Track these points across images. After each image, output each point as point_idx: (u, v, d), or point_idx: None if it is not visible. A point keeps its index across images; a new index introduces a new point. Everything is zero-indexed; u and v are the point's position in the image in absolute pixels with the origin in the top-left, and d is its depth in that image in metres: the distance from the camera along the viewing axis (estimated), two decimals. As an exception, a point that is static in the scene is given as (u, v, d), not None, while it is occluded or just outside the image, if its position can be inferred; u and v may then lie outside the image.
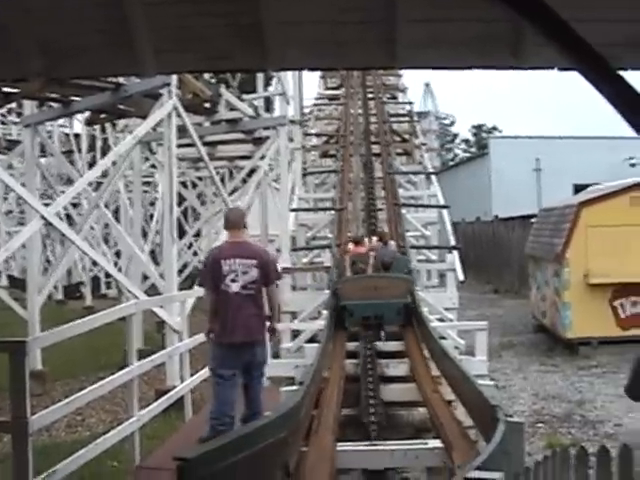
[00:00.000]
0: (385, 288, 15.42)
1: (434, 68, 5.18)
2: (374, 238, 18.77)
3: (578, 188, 35.89)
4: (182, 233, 29.55)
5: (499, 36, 4.64)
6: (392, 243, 18.37)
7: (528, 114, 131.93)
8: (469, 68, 4.97)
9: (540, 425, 13.63)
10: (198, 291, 17.66)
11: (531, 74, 5.10)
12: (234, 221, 9.66)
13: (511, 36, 4.64)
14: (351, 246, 18.06)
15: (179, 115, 17.49)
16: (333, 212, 22.50)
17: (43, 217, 15.59)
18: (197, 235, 33.82)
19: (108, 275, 34.17)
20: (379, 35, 4.63)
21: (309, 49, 4.77)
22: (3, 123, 43.93)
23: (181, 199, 32.01)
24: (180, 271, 23.97)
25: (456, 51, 4.69)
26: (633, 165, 45.94)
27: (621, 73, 3.42)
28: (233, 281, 9.13)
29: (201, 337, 13.34)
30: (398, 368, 12.25)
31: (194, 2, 4.44)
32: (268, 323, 9.74)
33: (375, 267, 16.98)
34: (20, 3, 4.45)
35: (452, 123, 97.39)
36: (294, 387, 10.17)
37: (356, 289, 15.63)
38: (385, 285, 15.59)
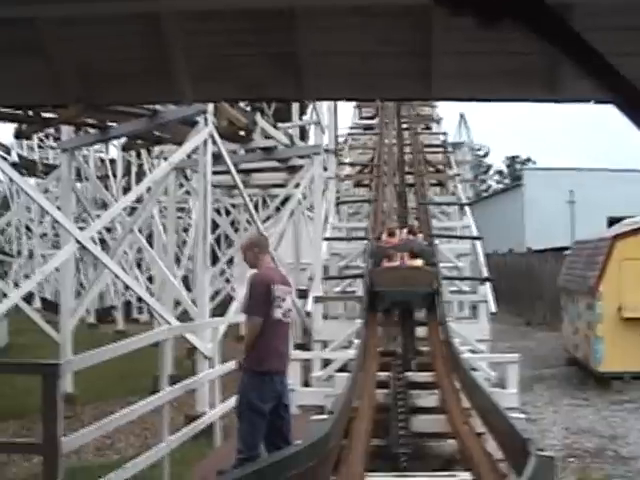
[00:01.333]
0: (412, 278, 17.11)
1: (469, 100, 5.21)
2: (404, 230, 20.17)
3: (612, 221, 35.67)
4: (215, 260, 29.55)
5: (534, 69, 4.65)
6: (420, 236, 20.22)
7: (562, 146, 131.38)
8: (504, 100, 4.98)
9: (571, 460, 13.47)
10: (230, 318, 17.78)
11: (567, 106, 5.09)
12: (267, 246, 9.77)
13: (547, 69, 4.64)
14: (384, 237, 19.52)
15: (214, 142, 17.59)
16: (366, 242, 22.43)
17: (78, 241, 15.70)
18: (230, 262, 33.86)
19: (140, 300, 34.25)
20: (415, 67, 4.65)
21: (344, 80, 4.80)
22: (41, 147, 44.41)
23: (215, 226, 32.12)
24: (212, 298, 24.02)
25: (491, 83, 4.70)
26: (667, 199, 45.58)
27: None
28: (278, 307, 9.11)
29: (232, 364, 13.41)
30: (428, 399, 12.20)
31: (231, 32, 4.49)
32: None
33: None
34: (61, 31, 4.51)
35: (486, 154, 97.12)
36: (324, 416, 10.14)
37: (387, 278, 17.26)
38: (412, 275, 17.26)
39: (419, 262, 17.96)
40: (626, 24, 4.10)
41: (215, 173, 19.34)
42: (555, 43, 3.48)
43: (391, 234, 19.47)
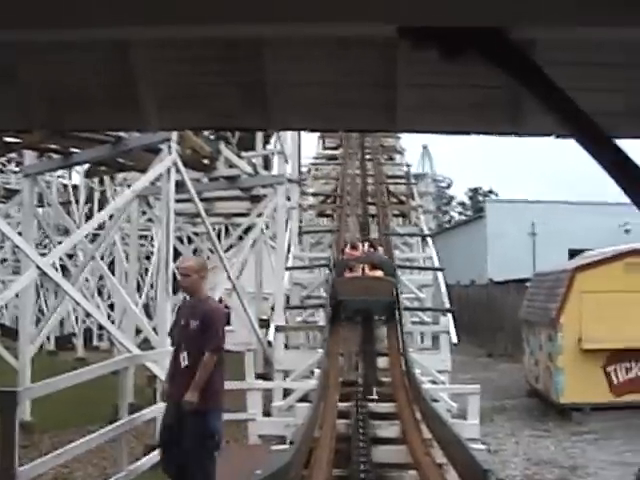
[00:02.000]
0: (373, 287, 18.60)
1: (433, 132, 5.24)
2: (366, 244, 21.92)
3: (573, 253, 35.99)
4: (177, 288, 29.49)
5: (498, 102, 4.70)
6: (380, 249, 22.14)
7: (524, 178, 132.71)
8: (467, 133, 5.02)
9: (532, 491, 13.53)
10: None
11: (529, 139, 5.16)
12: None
13: (510, 103, 4.69)
14: (347, 249, 21.34)
15: (178, 170, 17.60)
16: (328, 272, 22.50)
17: (38, 267, 15.62)
18: (192, 290, 33.73)
19: (101, 327, 34.01)
20: (379, 99, 4.69)
21: (310, 111, 4.82)
22: (2, 172, 44.12)
23: (177, 254, 32.00)
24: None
25: (455, 116, 4.74)
26: (628, 231, 46.03)
27: (618, 142, 3.49)
28: None
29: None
30: (389, 430, 12.20)
31: (198, 60, 4.50)
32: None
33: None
34: (28, 56, 4.52)
35: (449, 186, 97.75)
36: (284, 446, 10.12)
37: (350, 287, 18.64)
38: (373, 285, 18.77)
39: (380, 273, 19.40)
40: (587, 60, 4.17)
41: (178, 201, 19.33)
42: (517, 77, 3.55)
43: (353, 247, 21.38)
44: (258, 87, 4.49)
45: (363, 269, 19.70)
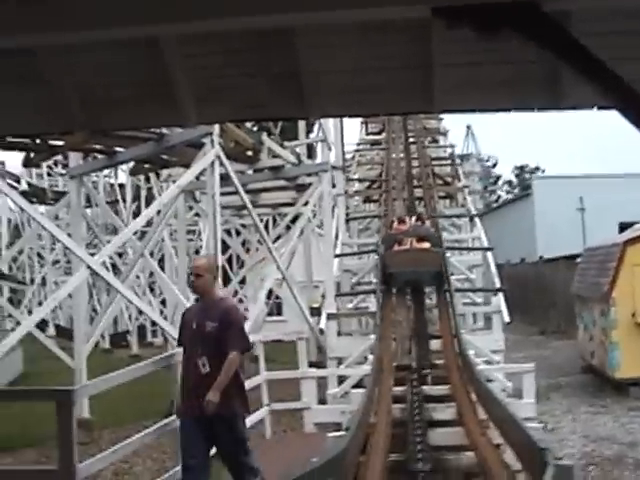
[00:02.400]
0: (421, 259, 19.27)
1: (472, 111, 5.20)
2: (413, 218, 22.48)
3: (623, 226, 35.53)
4: (227, 280, 29.61)
5: (536, 77, 4.65)
6: (428, 223, 22.82)
7: (570, 153, 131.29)
8: (507, 110, 4.97)
9: (591, 468, 13.39)
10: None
11: (573, 113, 5.09)
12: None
13: (548, 77, 4.63)
14: (395, 224, 22.04)
15: (222, 164, 17.64)
16: (376, 257, 22.46)
17: (89, 267, 15.74)
18: (242, 282, 33.88)
19: (154, 323, 34.30)
20: (416, 80, 4.66)
21: (346, 97, 4.81)
22: (50, 175, 44.60)
23: (225, 247, 32.15)
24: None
25: (493, 94, 4.70)
26: (678, 203, 45.40)
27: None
28: None
29: (247, 384, 13.39)
30: (445, 412, 12.13)
31: (231, 53, 4.50)
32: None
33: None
34: (62, 59, 4.54)
35: (494, 165, 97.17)
36: (340, 433, 10.11)
37: (399, 259, 19.40)
38: (421, 256, 19.43)
39: (427, 245, 20.01)
40: (624, 29, 4.10)
41: (224, 194, 19.39)
42: (554, 51, 3.49)
43: (401, 221, 21.96)
44: (292, 76, 4.48)
45: (411, 242, 20.24)
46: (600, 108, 4.57)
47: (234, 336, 8.41)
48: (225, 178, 18.27)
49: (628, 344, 19.88)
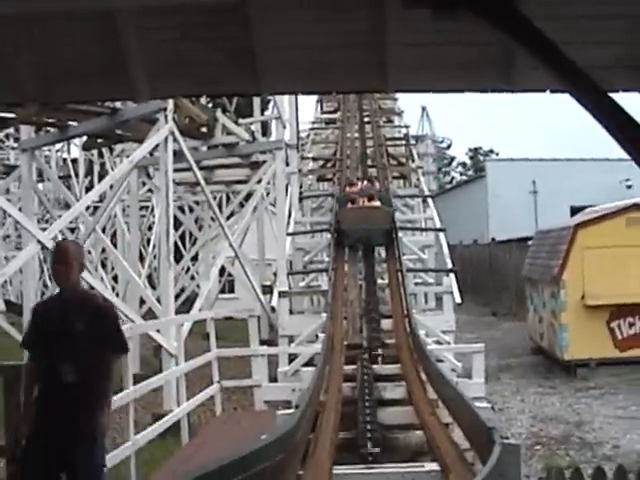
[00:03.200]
0: (372, 216, 20.56)
1: (426, 91, 5.22)
2: (365, 182, 24.20)
3: (574, 210, 35.91)
4: (179, 257, 29.48)
5: (491, 59, 4.66)
6: (377, 185, 24.89)
7: (524, 137, 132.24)
8: (461, 91, 4.99)
9: (538, 447, 13.59)
10: (195, 315, 17.74)
11: (526, 96, 5.12)
12: None
13: (503, 59, 4.65)
14: (348, 188, 23.43)
15: (175, 139, 17.52)
16: (329, 236, 22.51)
17: (40, 242, 15.58)
18: (194, 259, 33.76)
19: (105, 300, 34.08)
20: (370, 59, 4.65)
21: (300, 73, 4.79)
22: (0, 148, 43.99)
23: (178, 224, 32.02)
24: (177, 295, 23.91)
25: (448, 74, 4.71)
26: (629, 187, 45.88)
27: (613, 95, 3.44)
28: None
29: (198, 361, 13.38)
30: (395, 391, 12.23)
31: (185, 27, 4.47)
32: None
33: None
34: (14, 29, 4.47)
35: (449, 146, 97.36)
36: (291, 411, 10.14)
37: (351, 217, 20.62)
38: (372, 214, 20.74)
39: (377, 203, 21.53)
40: (578, 13, 4.12)
41: (177, 170, 19.29)
42: (508, 32, 3.50)
43: (352, 184, 23.68)
44: (246, 52, 4.46)
45: (363, 201, 21.65)
46: (553, 91, 4.59)
47: (112, 337, 6.93)
48: (179, 154, 18.17)
49: (577, 326, 20.15)
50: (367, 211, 21.02)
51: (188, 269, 33.63)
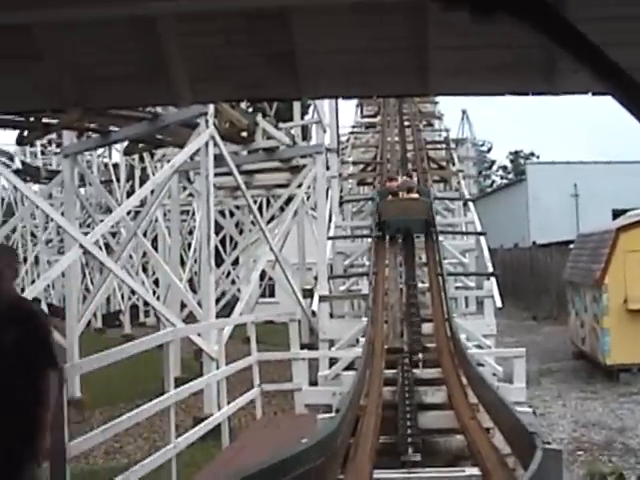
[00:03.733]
0: (411, 207, 21.30)
1: (466, 94, 5.21)
2: (404, 177, 25.30)
3: (616, 213, 35.60)
4: (220, 261, 29.62)
5: (531, 62, 4.64)
6: (415, 178, 25.77)
7: (565, 140, 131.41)
8: (501, 94, 4.97)
9: (580, 453, 13.46)
10: (235, 319, 17.80)
11: (568, 99, 5.08)
12: None
13: (543, 62, 4.63)
14: (387, 183, 24.06)
15: (216, 144, 17.60)
16: (370, 240, 22.50)
17: (82, 246, 15.72)
18: (235, 263, 33.91)
19: (147, 303, 34.32)
20: (411, 63, 4.65)
21: (341, 77, 4.80)
22: (43, 153, 44.48)
23: (219, 228, 32.12)
24: (218, 299, 24.04)
25: (488, 77, 4.69)
26: (672, 190, 45.43)
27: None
28: None
29: (239, 365, 13.41)
30: (435, 395, 12.18)
31: (227, 33, 4.49)
32: None
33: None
34: (57, 36, 4.52)
35: (489, 150, 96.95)
36: (331, 415, 10.14)
37: (391, 208, 21.34)
38: (411, 205, 21.48)
39: (416, 195, 22.27)
40: (621, 14, 4.09)
41: (218, 175, 19.37)
42: (550, 36, 3.48)
43: (392, 179, 24.29)
44: (287, 56, 4.48)
45: (402, 193, 22.48)
46: (595, 94, 4.56)
47: (46, 349, 6.27)
48: (219, 159, 18.23)
49: (619, 330, 19.94)
50: (406, 203, 21.80)
51: (229, 273, 33.79)
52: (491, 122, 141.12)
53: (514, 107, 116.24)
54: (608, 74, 3.36)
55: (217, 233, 30.76)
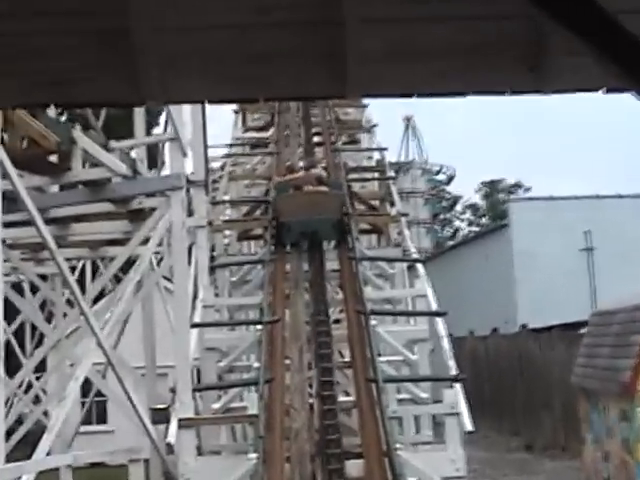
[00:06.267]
0: (320, 203, 23.81)
1: (407, 95, 5.18)
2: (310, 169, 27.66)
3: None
4: (15, 366, 29.33)
5: (510, 43, 4.74)
6: (323, 171, 28.39)
7: (566, 163, 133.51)
8: (462, 94, 5.00)
9: None
10: (40, 462, 17.56)
11: (569, 98, 5.23)
12: None
13: (529, 43, 4.74)
14: (287, 173, 27.59)
15: (5, 176, 17.48)
16: (260, 327, 22.51)
17: None
18: (40, 369, 33.60)
19: None
20: (318, 47, 4.70)
21: (212, 71, 4.86)
22: None
23: (13, 311, 31.82)
24: (11, 430, 23.71)
25: (441, 68, 4.76)
26: None
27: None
28: None
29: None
30: None
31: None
32: None
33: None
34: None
35: (450, 180, 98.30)
36: None
37: (294, 204, 24.10)
38: (320, 200, 24.07)
39: (325, 188, 25.17)
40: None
41: (9, 225, 19.21)
42: (577, 25, 3.58)
43: (292, 171, 27.68)
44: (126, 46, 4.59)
45: (306, 187, 25.17)
46: (609, 91, 4.70)
47: None
48: (11, 199, 18.11)
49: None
50: (313, 197, 24.48)
51: (29, 386, 33.42)
52: (453, 135, 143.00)
53: (486, 113, 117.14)
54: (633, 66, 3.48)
55: (10, 321, 30.44)
